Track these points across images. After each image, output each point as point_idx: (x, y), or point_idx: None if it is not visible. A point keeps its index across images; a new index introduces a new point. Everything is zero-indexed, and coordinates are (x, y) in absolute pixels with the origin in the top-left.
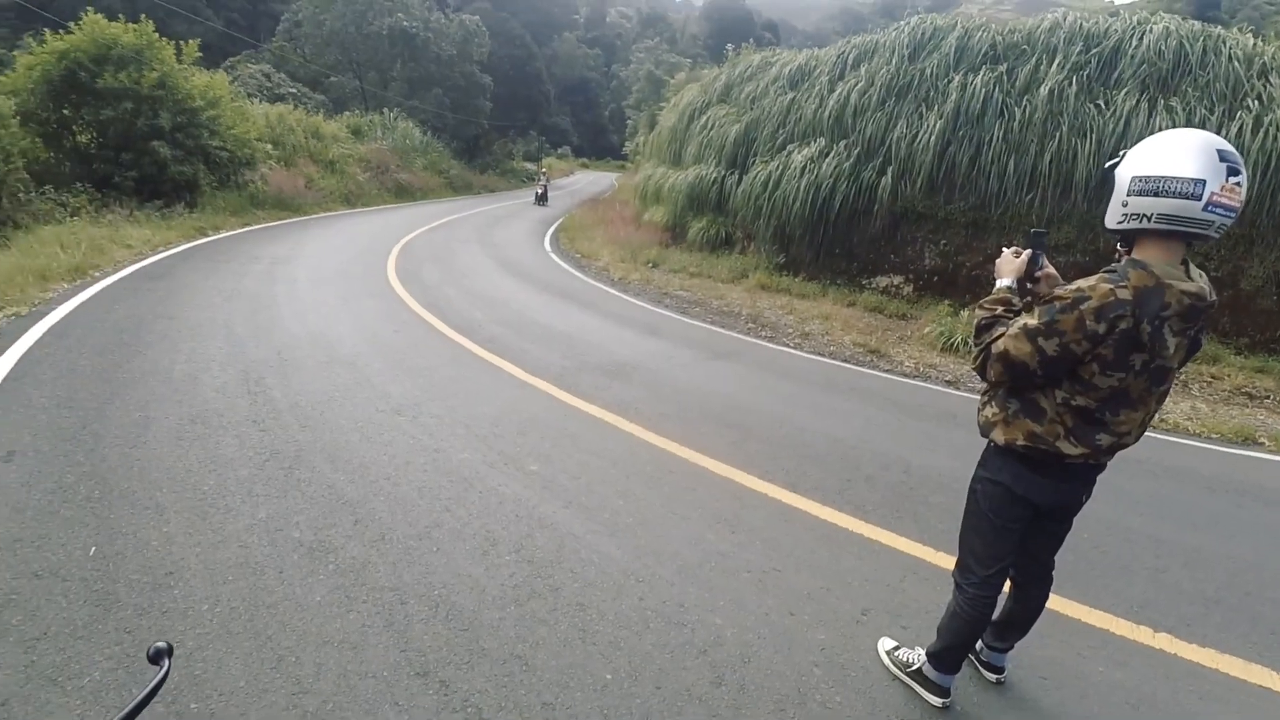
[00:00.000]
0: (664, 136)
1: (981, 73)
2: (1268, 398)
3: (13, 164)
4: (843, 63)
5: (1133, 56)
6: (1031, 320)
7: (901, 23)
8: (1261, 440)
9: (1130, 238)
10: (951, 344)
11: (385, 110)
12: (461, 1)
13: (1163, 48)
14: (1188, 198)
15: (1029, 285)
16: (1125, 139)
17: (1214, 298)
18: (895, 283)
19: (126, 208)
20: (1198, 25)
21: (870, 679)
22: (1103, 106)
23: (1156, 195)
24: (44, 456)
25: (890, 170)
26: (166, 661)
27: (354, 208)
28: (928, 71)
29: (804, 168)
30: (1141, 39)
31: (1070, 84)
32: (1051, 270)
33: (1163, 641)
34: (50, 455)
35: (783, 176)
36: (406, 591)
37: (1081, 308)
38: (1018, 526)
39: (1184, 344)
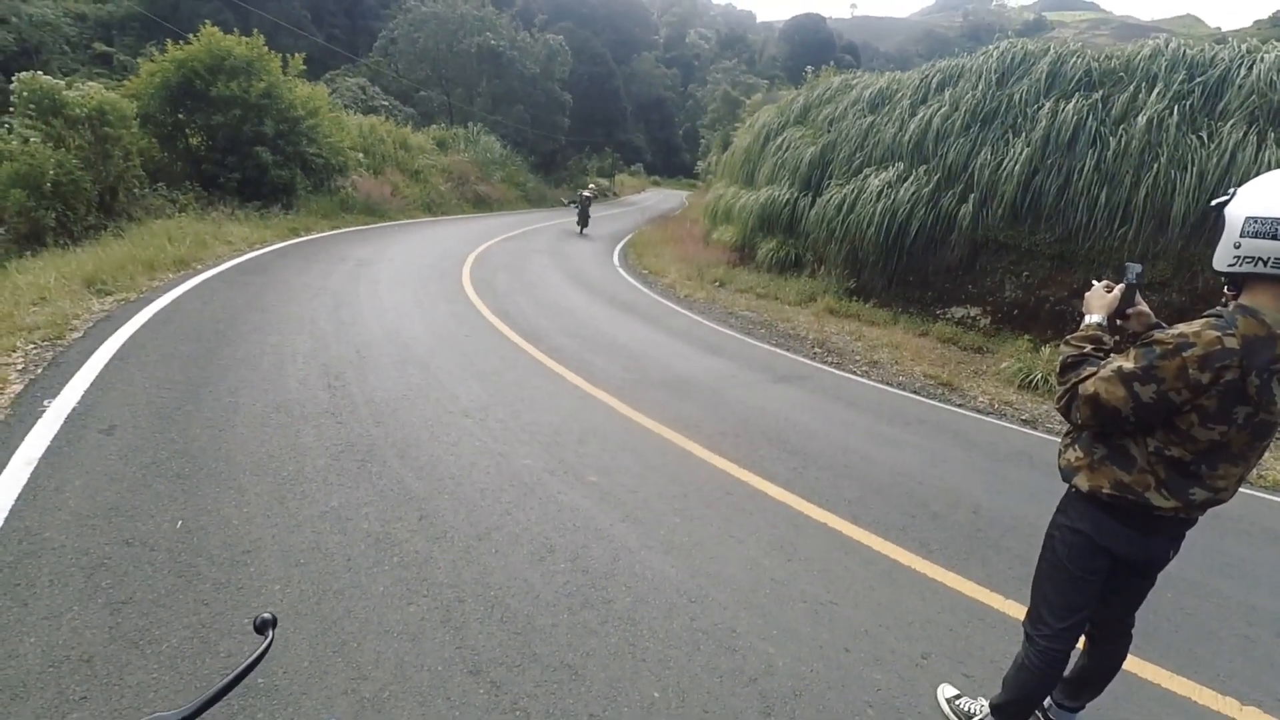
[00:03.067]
0: (737, 156)
1: (1074, 100)
2: None
3: (132, 162)
4: (926, 86)
5: (1240, 86)
6: (1127, 363)
7: (990, 47)
8: None
9: (1239, 281)
10: (1030, 381)
11: (469, 124)
12: (547, 21)
13: (1274, 78)
14: None
15: (1118, 322)
16: (1230, 173)
17: None
18: (971, 314)
19: (229, 206)
20: None
21: None
22: (1205, 139)
23: (1274, 238)
24: (142, 432)
25: (971, 198)
26: (271, 632)
27: (435, 216)
28: (1016, 97)
29: (880, 192)
30: (1251, 68)
31: (1171, 113)
32: (1144, 308)
33: (1250, 716)
34: (147, 431)
35: (858, 200)
36: (464, 590)
37: (1184, 354)
38: (1096, 578)
39: None
